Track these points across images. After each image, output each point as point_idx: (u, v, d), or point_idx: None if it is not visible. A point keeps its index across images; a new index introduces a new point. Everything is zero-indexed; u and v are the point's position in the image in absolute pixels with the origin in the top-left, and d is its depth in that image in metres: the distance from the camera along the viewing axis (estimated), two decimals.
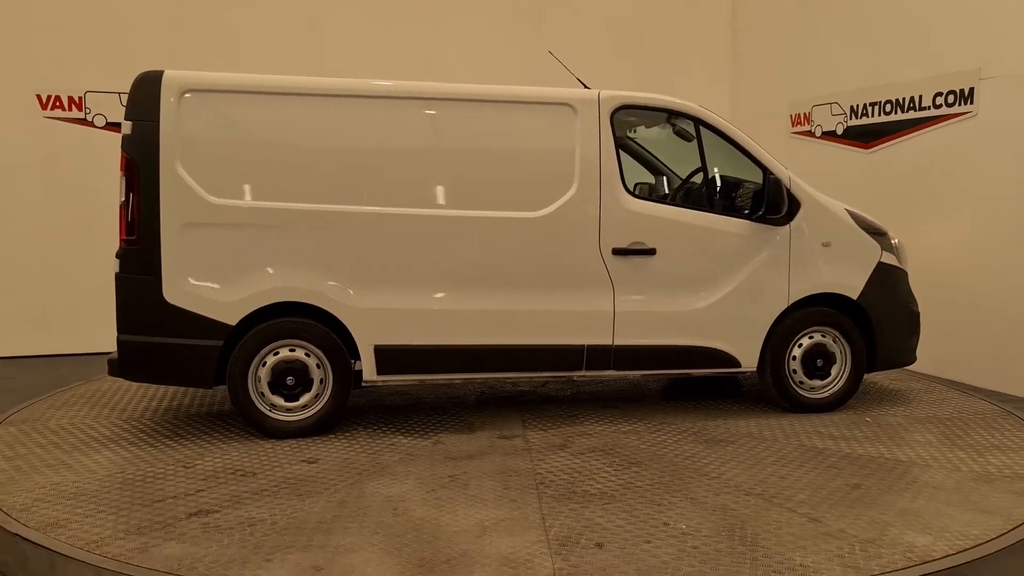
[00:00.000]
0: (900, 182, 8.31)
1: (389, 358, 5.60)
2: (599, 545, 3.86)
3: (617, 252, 5.80)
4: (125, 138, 5.33)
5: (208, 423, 5.87)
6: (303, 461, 5.05)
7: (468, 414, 6.20)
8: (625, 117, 6.13)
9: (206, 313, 5.35)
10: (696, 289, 5.96)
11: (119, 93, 8.51)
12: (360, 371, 5.61)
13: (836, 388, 6.26)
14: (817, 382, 6.23)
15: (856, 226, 6.25)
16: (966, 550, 3.84)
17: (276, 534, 3.96)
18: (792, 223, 6.04)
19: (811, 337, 6.20)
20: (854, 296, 6.17)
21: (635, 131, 6.80)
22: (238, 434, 5.59)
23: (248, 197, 5.42)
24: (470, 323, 5.68)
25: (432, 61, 9.64)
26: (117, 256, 5.37)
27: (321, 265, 5.47)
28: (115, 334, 5.39)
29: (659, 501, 4.42)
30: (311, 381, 5.53)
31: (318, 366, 5.53)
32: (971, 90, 7.54)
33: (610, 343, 5.84)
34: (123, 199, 5.33)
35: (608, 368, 5.91)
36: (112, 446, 5.36)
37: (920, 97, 8.08)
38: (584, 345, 5.82)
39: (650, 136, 6.94)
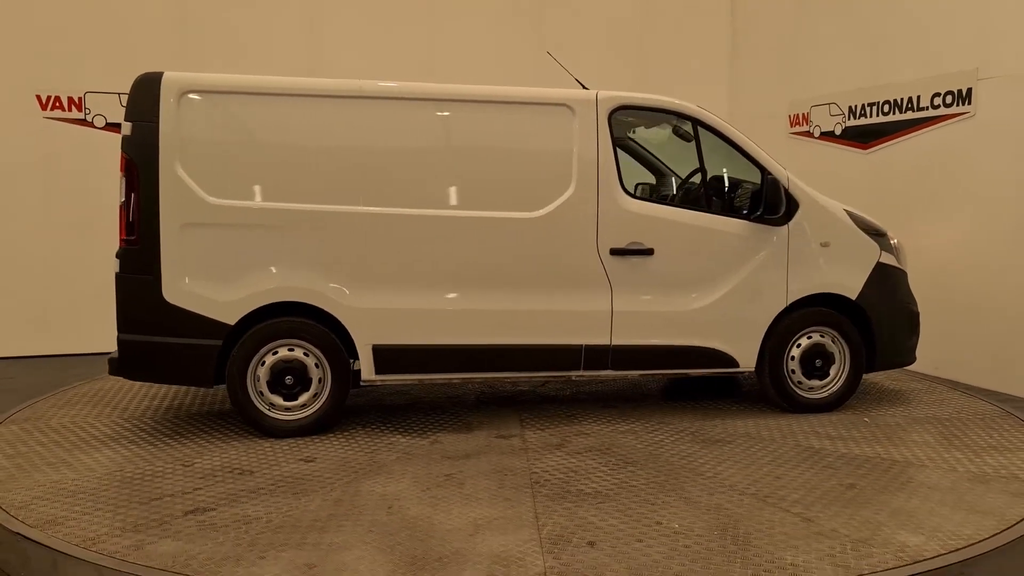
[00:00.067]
0: (898, 182, 8.30)
1: (387, 358, 5.63)
2: (591, 544, 3.87)
3: (615, 252, 5.81)
4: (125, 139, 5.37)
5: (208, 422, 5.91)
6: (300, 460, 5.08)
7: (467, 413, 6.22)
8: (623, 117, 6.14)
9: (205, 313, 5.39)
10: (694, 289, 5.97)
11: (119, 94, 8.57)
12: (359, 371, 5.64)
13: (835, 388, 6.26)
14: (816, 382, 6.23)
15: (855, 226, 6.25)
16: (958, 550, 3.85)
17: (271, 532, 3.99)
18: (790, 223, 6.05)
19: (810, 337, 6.20)
20: (853, 296, 6.17)
21: (634, 131, 6.81)
22: (237, 433, 5.62)
23: (247, 197, 5.45)
24: (468, 323, 5.70)
25: (432, 61, 9.67)
26: (117, 256, 5.42)
27: (320, 265, 5.50)
28: (115, 334, 5.43)
29: (653, 500, 4.43)
30: (310, 380, 5.56)
31: (317, 366, 5.56)
32: (969, 90, 7.54)
33: (608, 343, 5.85)
34: (123, 199, 5.37)
35: (606, 368, 5.92)
36: (112, 444, 5.40)
37: (918, 97, 8.07)
38: (582, 345, 5.83)
39: (650, 136, 6.96)
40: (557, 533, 3.99)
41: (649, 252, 5.85)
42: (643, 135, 6.93)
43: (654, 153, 6.98)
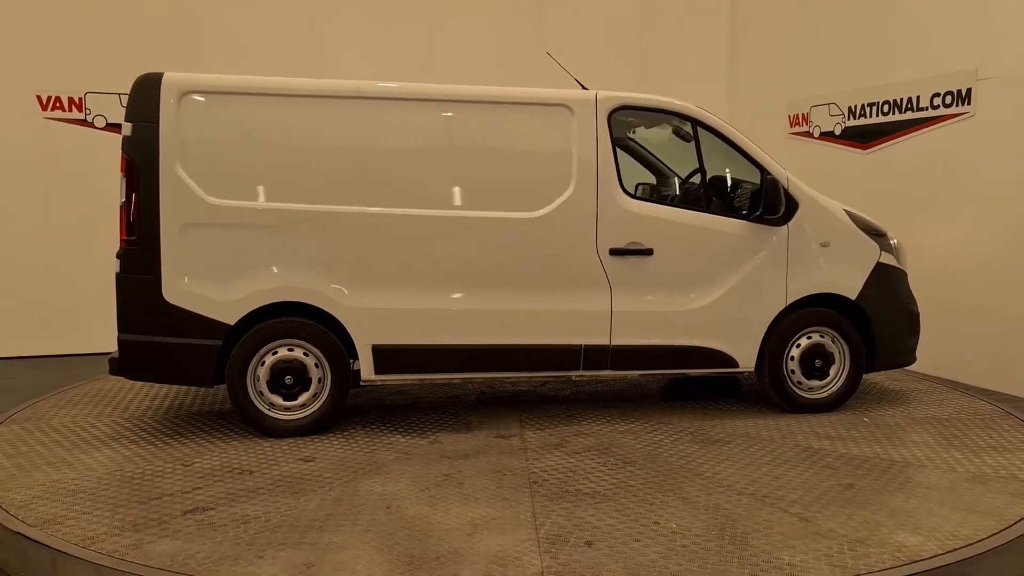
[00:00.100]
0: (898, 182, 8.30)
1: (387, 358, 5.64)
2: (589, 543, 3.88)
3: (614, 252, 5.82)
4: (125, 139, 5.39)
5: (208, 422, 5.92)
6: (300, 460, 5.09)
7: (467, 413, 6.23)
8: (623, 118, 6.14)
9: (205, 313, 5.40)
10: (693, 289, 5.97)
11: (119, 94, 8.58)
12: (358, 371, 5.65)
13: (834, 388, 6.25)
14: (815, 382, 6.23)
15: (854, 226, 6.24)
16: (955, 550, 3.85)
17: (269, 531, 4.00)
18: (790, 223, 6.04)
19: (809, 337, 6.20)
20: (852, 296, 6.16)
21: (634, 132, 6.82)
22: (237, 433, 5.63)
23: (247, 197, 5.46)
24: (467, 323, 5.71)
25: (432, 61, 9.67)
26: (117, 256, 5.43)
27: (319, 265, 5.51)
28: (116, 334, 5.45)
29: (651, 500, 4.44)
30: (309, 380, 5.57)
31: (316, 365, 5.57)
32: (968, 91, 7.55)
33: (607, 343, 5.86)
34: (123, 200, 5.39)
35: (605, 368, 5.92)
36: (112, 444, 5.42)
37: (918, 98, 8.08)
38: (581, 345, 5.84)
39: (650, 137, 6.96)
40: (555, 533, 4.00)
41: (648, 252, 5.86)
42: (643, 135, 6.94)
43: (654, 153, 6.98)
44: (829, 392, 6.25)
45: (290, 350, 5.54)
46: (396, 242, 5.61)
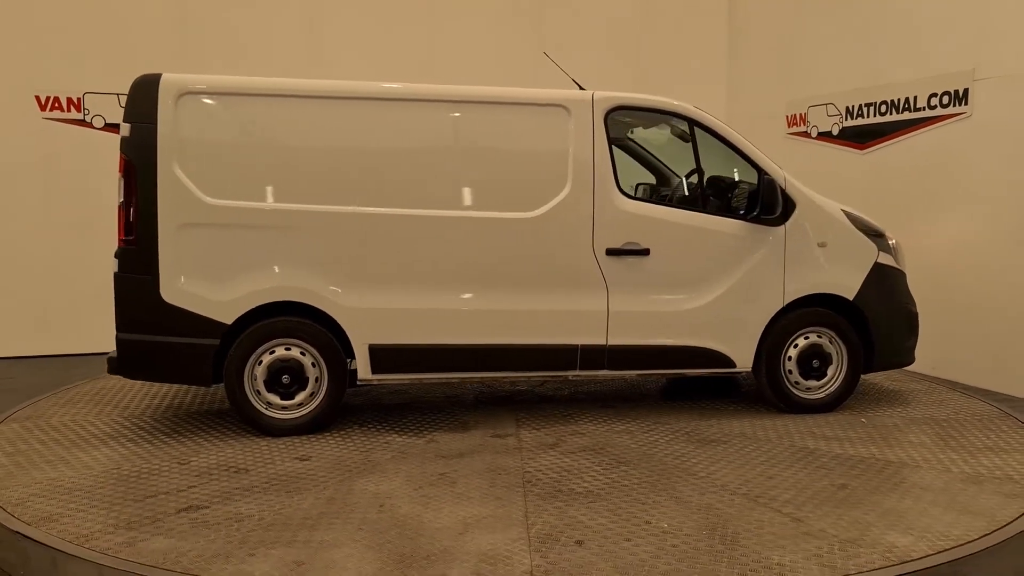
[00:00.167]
0: (896, 182, 8.30)
1: (383, 357, 5.66)
2: (579, 543, 3.89)
3: (611, 252, 5.82)
4: (123, 140, 5.42)
5: (207, 421, 5.96)
6: (296, 458, 5.11)
7: (464, 413, 6.24)
8: (620, 118, 6.15)
9: (202, 312, 5.43)
10: (690, 289, 5.97)
11: (118, 94, 8.62)
12: (355, 370, 5.67)
13: (832, 389, 6.24)
14: (813, 383, 6.22)
15: (852, 226, 6.23)
16: (946, 550, 3.84)
17: (262, 530, 4.03)
18: (787, 223, 6.04)
19: (807, 338, 6.19)
20: (850, 296, 6.16)
21: (632, 132, 6.83)
22: (235, 431, 5.66)
23: (244, 198, 5.48)
24: (464, 323, 5.73)
25: (431, 62, 9.69)
26: (116, 256, 5.47)
27: (316, 265, 5.53)
28: (114, 333, 5.48)
29: (644, 500, 4.44)
30: (306, 380, 5.60)
31: (313, 365, 5.60)
32: (965, 91, 7.55)
33: (604, 343, 5.87)
34: (122, 200, 5.42)
35: (602, 368, 5.93)
36: (111, 443, 5.45)
37: (915, 98, 8.07)
38: (578, 345, 5.85)
39: (650, 137, 6.97)
40: (546, 532, 4.01)
41: (645, 252, 5.86)
42: (643, 135, 6.95)
43: (653, 153, 6.99)
44: (827, 392, 6.24)
45: (287, 349, 5.56)
46: (393, 242, 5.63)
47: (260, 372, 5.54)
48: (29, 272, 8.83)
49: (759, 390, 6.36)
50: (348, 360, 5.65)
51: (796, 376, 6.18)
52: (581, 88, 6.04)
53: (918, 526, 4.11)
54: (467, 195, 5.74)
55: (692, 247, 5.97)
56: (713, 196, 6.21)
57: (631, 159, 6.93)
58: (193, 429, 5.75)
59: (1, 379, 8.01)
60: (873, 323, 6.20)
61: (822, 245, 6.12)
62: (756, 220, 5.99)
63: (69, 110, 8.88)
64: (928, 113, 7.93)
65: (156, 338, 5.47)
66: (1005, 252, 7.25)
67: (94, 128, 8.92)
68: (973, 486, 4.70)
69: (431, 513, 4.24)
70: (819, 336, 6.19)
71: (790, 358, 6.16)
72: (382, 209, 5.60)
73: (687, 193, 6.45)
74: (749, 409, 6.34)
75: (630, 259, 5.86)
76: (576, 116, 5.81)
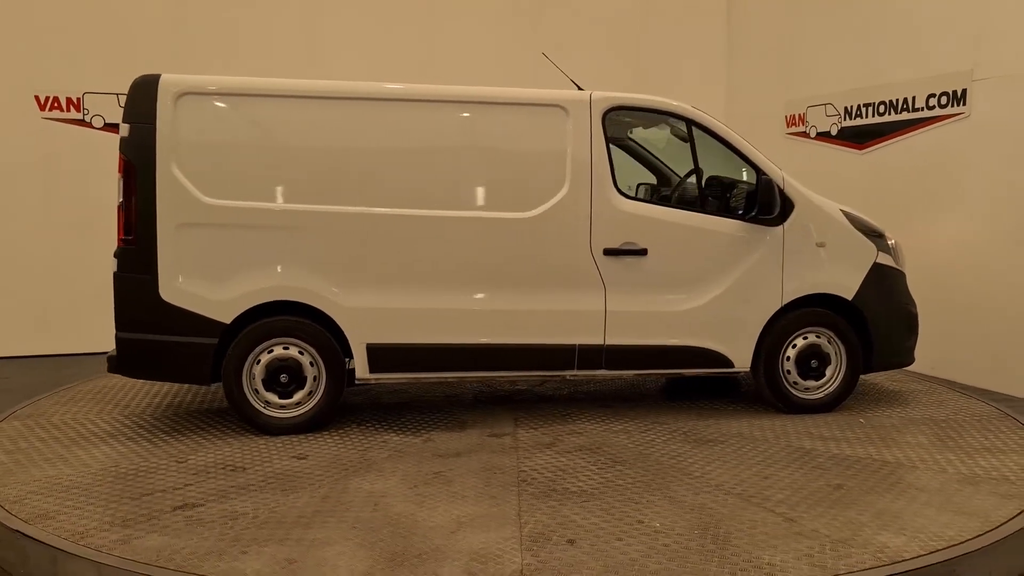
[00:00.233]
0: (894, 182, 8.29)
1: (381, 356, 5.68)
2: (571, 542, 3.90)
3: (608, 252, 5.83)
4: (123, 140, 5.45)
5: (206, 419, 5.99)
6: (293, 457, 5.14)
7: (462, 412, 6.26)
8: (618, 118, 6.15)
9: (201, 311, 5.46)
10: (688, 289, 5.97)
11: (117, 94, 8.63)
12: (353, 369, 5.69)
13: (831, 389, 6.23)
14: (811, 383, 6.22)
15: (851, 226, 6.22)
16: (937, 551, 3.84)
17: (255, 528, 4.05)
18: (785, 223, 6.03)
19: (805, 338, 6.18)
20: (849, 297, 6.15)
21: (632, 132, 6.83)
22: (233, 430, 5.69)
23: (242, 198, 5.51)
24: (462, 322, 5.74)
25: (431, 62, 9.70)
26: (115, 256, 5.50)
27: (314, 264, 5.56)
28: (114, 333, 5.52)
29: (637, 499, 4.45)
30: (304, 379, 5.62)
31: (311, 364, 5.62)
32: (964, 91, 7.54)
33: (601, 343, 5.87)
34: (121, 200, 5.46)
35: (600, 368, 5.94)
36: (110, 441, 5.49)
37: (913, 98, 8.06)
38: (575, 345, 5.85)
39: (650, 137, 6.97)
40: (538, 531, 4.02)
41: (643, 252, 5.86)
42: (643, 135, 6.95)
43: (653, 153, 6.99)
44: (825, 393, 6.23)
45: (285, 348, 5.59)
46: (391, 242, 5.65)
47: (258, 371, 5.57)
48: (29, 272, 8.84)
49: (758, 390, 6.35)
50: (346, 359, 5.67)
51: (795, 376, 6.18)
52: (580, 88, 6.04)
53: (911, 527, 4.11)
54: (465, 195, 5.76)
55: (690, 247, 5.97)
56: (711, 196, 6.20)
57: (631, 159, 6.93)
58: (192, 427, 5.79)
59: (0, 379, 8.06)
60: (872, 323, 6.19)
61: (821, 245, 6.11)
62: (754, 220, 5.99)
63: (69, 110, 8.90)
64: (926, 113, 7.91)
65: (155, 337, 5.50)
66: (1004, 252, 7.23)
67: (94, 128, 8.93)
68: (969, 487, 4.69)
69: (425, 512, 4.26)
70: (818, 336, 6.18)
71: (788, 358, 6.16)
72: (380, 209, 5.62)
73: (685, 193, 6.44)
74: (748, 409, 6.33)
75: (628, 259, 5.86)
76: (574, 116, 5.81)
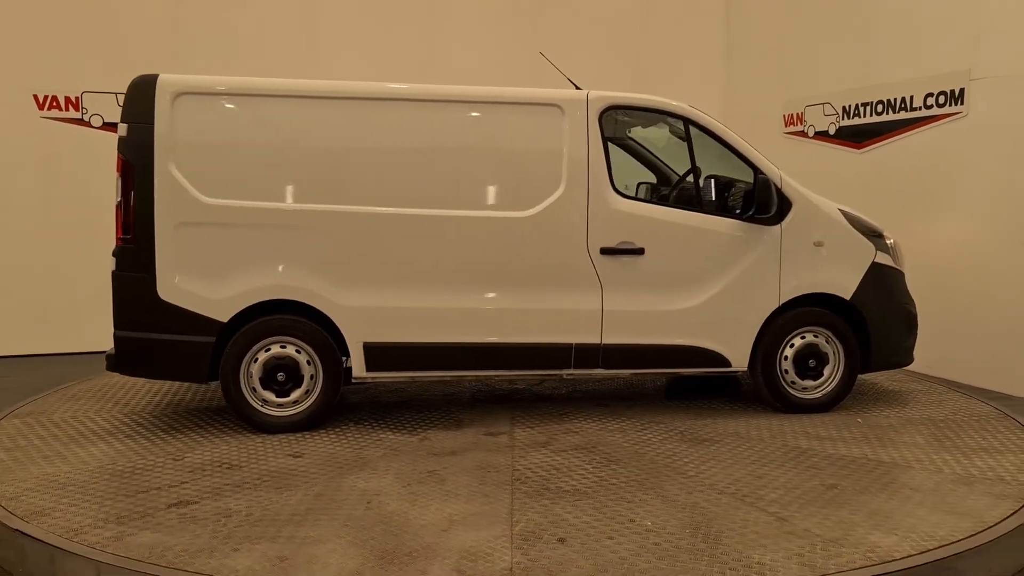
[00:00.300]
0: (892, 182, 8.27)
1: (378, 355, 5.70)
2: (561, 540, 3.91)
3: (605, 252, 5.83)
4: (121, 140, 5.48)
5: (204, 417, 6.02)
6: (288, 455, 5.16)
7: (459, 411, 6.27)
8: (616, 117, 6.15)
9: (199, 310, 5.49)
10: (685, 288, 5.97)
11: (116, 93, 8.62)
12: (350, 368, 5.71)
13: (829, 389, 6.22)
14: (809, 382, 6.21)
15: (849, 226, 6.21)
16: (928, 551, 3.83)
17: (248, 525, 4.07)
18: (783, 223, 6.03)
19: (803, 337, 6.17)
20: (847, 296, 6.13)
21: (630, 131, 6.82)
22: (231, 428, 5.72)
23: (240, 197, 5.53)
24: (458, 321, 5.75)
25: (431, 62, 9.71)
26: (113, 255, 5.54)
27: (311, 263, 5.58)
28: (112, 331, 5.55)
29: (630, 498, 4.45)
30: (302, 377, 5.64)
31: (308, 363, 5.64)
32: (962, 91, 7.53)
33: (598, 342, 5.88)
34: (119, 199, 5.49)
35: (597, 367, 5.94)
36: (108, 439, 5.52)
37: (911, 98, 8.05)
38: (572, 344, 5.86)
39: (649, 136, 6.97)
40: (529, 530, 4.03)
41: (640, 252, 5.86)
42: (642, 134, 6.94)
43: (653, 152, 6.98)
44: (823, 392, 6.22)
45: (283, 347, 5.61)
46: (387, 241, 5.66)
47: (256, 370, 5.59)
48: (27, 271, 8.86)
49: (755, 390, 6.35)
50: (343, 358, 5.69)
51: (792, 376, 6.17)
52: (577, 88, 6.05)
53: (903, 526, 4.10)
54: (462, 194, 5.76)
55: (687, 246, 5.97)
56: (709, 195, 6.19)
57: (631, 158, 6.93)
58: (189, 426, 5.82)
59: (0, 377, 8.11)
60: (870, 323, 6.18)
61: (818, 244, 6.11)
62: (752, 219, 5.98)
63: (67, 109, 8.92)
64: (924, 113, 7.90)
65: (153, 335, 5.53)
66: (1004, 252, 7.22)
67: (92, 127, 8.96)
68: (963, 487, 4.67)
69: (417, 510, 4.27)
70: (815, 336, 6.18)
71: (786, 358, 6.15)
72: (376, 208, 5.64)
73: (683, 192, 6.43)
74: (745, 409, 6.33)
75: (625, 258, 5.86)
76: (570, 115, 5.82)
